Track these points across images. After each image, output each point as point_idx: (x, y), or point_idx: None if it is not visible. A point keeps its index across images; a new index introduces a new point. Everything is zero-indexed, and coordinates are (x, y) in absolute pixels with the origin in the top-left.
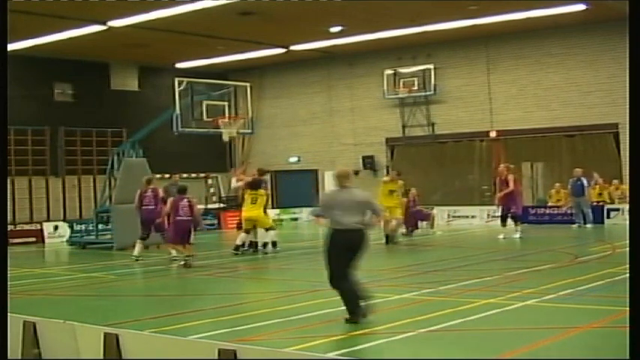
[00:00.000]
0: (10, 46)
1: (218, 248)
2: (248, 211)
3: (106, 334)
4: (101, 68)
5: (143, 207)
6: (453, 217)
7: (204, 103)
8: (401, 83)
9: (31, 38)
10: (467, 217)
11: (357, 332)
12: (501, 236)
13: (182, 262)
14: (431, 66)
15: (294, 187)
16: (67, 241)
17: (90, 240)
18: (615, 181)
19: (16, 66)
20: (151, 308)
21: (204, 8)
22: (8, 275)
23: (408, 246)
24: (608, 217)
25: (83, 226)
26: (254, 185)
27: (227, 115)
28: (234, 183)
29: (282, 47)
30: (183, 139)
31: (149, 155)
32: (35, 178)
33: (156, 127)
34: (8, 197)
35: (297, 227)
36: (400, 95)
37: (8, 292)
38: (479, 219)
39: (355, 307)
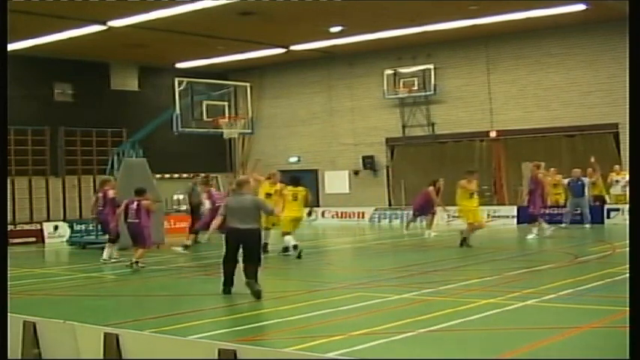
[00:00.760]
0: (10, 46)
1: (218, 248)
2: (292, 210)
3: (106, 334)
4: (101, 68)
5: (98, 209)
6: (453, 217)
7: (204, 103)
8: (401, 83)
9: (31, 38)
10: None
11: (357, 332)
12: (531, 235)
13: (127, 264)
14: (431, 66)
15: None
16: (67, 241)
17: (90, 240)
18: (616, 167)
19: (16, 66)
20: (151, 308)
21: (204, 8)
22: (8, 275)
23: (408, 246)
24: (608, 217)
25: (83, 226)
26: (295, 181)
27: (227, 115)
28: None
29: (282, 47)
30: (183, 139)
31: (149, 155)
32: (35, 178)
33: (156, 127)
34: (8, 197)
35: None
36: (400, 95)
37: (8, 292)
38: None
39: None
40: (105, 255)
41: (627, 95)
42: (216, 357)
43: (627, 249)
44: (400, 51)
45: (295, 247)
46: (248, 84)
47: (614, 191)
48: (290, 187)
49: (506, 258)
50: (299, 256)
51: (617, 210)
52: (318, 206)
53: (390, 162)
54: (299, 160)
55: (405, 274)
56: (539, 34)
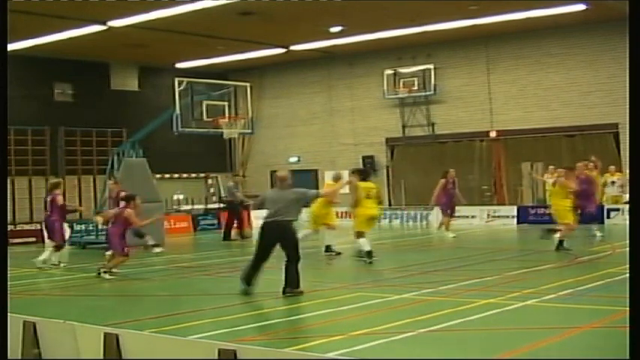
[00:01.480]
0: (10, 46)
1: (218, 248)
2: (367, 208)
3: (106, 334)
4: (101, 68)
5: (46, 214)
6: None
7: (204, 103)
8: (401, 83)
9: (31, 38)
10: (467, 217)
11: (357, 332)
12: (598, 235)
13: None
14: (431, 66)
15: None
16: (66, 241)
17: (90, 240)
18: (612, 167)
19: (16, 66)
20: (151, 308)
21: (204, 8)
22: (8, 275)
23: (408, 246)
24: (608, 217)
25: (83, 226)
26: (365, 175)
27: (227, 115)
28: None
29: (282, 47)
30: (183, 139)
31: (149, 155)
32: (35, 178)
33: (156, 127)
34: (8, 197)
35: (297, 227)
36: (400, 95)
37: (8, 292)
38: (479, 219)
39: None
40: (41, 257)
41: (627, 95)
42: (216, 357)
43: (627, 249)
44: (400, 51)
45: (369, 253)
46: (248, 84)
47: (611, 192)
48: (362, 184)
49: (507, 258)
50: (370, 262)
51: (617, 210)
52: None
53: (390, 162)
54: (299, 160)
55: (405, 274)
56: (539, 34)
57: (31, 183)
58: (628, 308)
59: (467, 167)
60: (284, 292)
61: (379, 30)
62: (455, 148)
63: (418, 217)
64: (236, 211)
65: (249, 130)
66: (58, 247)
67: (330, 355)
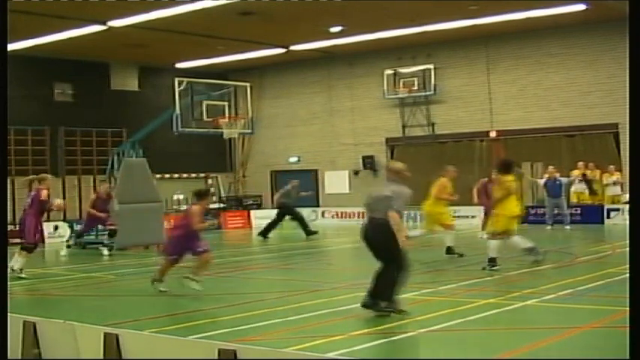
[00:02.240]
0: (10, 46)
1: (218, 248)
2: (515, 205)
3: (106, 334)
4: (101, 68)
5: (23, 209)
6: (453, 217)
7: (204, 103)
8: (401, 83)
9: (31, 38)
10: (467, 217)
11: (357, 332)
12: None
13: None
14: (431, 66)
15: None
16: (66, 241)
17: (90, 240)
18: (611, 167)
19: (16, 66)
20: (151, 308)
21: (204, 8)
22: (8, 275)
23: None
24: (608, 217)
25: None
26: (507, 168)
27: (227, 115)
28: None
29: (282, 47)
30: (183, 139)
31: (149, 155)
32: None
33: (156, 127)
34: (8, 197)
35: (297, 227)
36: (400, 95)
37: (8, 292)
38: (479, 219)
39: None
40: (16, 265)
41: (627, 95)
42: (216, 357)
43: (627, 249)
44: (400, 51)
45: (534, 249)
46: (248, 84)
47: (613, 192)
48: (503, 177)
49: (506, 258)
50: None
51: (617, 210)
52: (318, 206)
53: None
54: (299, 160)
55: None
56: (539, 34)
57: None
58: (628, 308)
59: (467, 167)
60: (365, 304)
61: (379, 30)
62: (455, 148)
63: (418, 217)
64: (291, 212)
65: (249, 130)
66: (26, 249)
67: (330, 355)
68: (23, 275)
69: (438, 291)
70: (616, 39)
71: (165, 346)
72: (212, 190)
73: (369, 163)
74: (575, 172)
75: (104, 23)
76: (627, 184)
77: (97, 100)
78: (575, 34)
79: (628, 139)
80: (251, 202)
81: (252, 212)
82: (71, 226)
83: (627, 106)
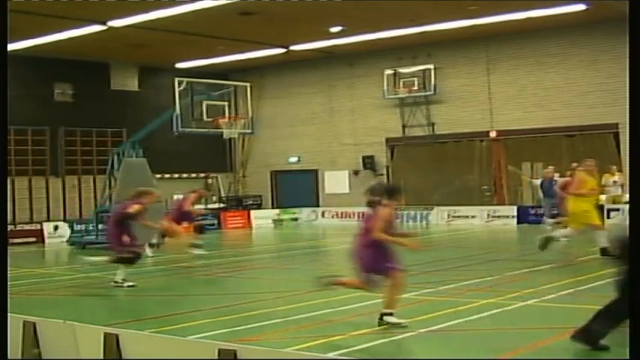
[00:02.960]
0: (10, 46)
1: (218, 248)
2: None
3: (106, 334)
4: (101, 68)
5: None
6: (453, 217)
7: (204, 103)
8: (401, 83)
9: (31, 38)
10: (467, 217)
11: (357, 332)
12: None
13: None
14: (431, 66)
15: (294, 187)
16: (67, 241)
17: (90, 240)
18: (613, 167)
19: (16, 66)
20: (151, 308)
21: (204, 8)
22: (8, 275)
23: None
24: (608, 217)
25: (83, 226)
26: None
27: (227, 115)
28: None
29: (282, 47)
30: (183, 139)
31: (149, 155)
32: (35, 178)
33: (156, 127)
34: (8, 197)
35: (298, 227)
36: (400, 95)
37: (8, 292)
38: (479, 219)
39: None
40: (118, 277)
41: (627, 95)
42: (216, 357)
43: None
44: (400, 51)
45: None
46: (248, 84)
47: (614, 192)
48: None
49: (506, 258)
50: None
51: (617, 210)
52: (318, 206)
53: (390, 162)
54: (299, 160)
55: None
56: (539, 34)
57: (31, 183)
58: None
59: (467, 167)
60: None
61: (379, 30)
62: (455, 148)
63: (418, 217)
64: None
65: (249, 130)
66: (124, 260)
67: (330, 355)
68: (128, 284)
69: (438, 291)
70: (616, 39)
71: (165, 346)
72: (212, 190)
73: (369, 163)
74: (608, 176)
75: (104, 23)
76: (627, 184)
77: (97, 100)
78: (575, 34)
79: (628, 139)
80: (251, 202)
81: (252, 212)
82: (71, 226)
83: (627, 106)
